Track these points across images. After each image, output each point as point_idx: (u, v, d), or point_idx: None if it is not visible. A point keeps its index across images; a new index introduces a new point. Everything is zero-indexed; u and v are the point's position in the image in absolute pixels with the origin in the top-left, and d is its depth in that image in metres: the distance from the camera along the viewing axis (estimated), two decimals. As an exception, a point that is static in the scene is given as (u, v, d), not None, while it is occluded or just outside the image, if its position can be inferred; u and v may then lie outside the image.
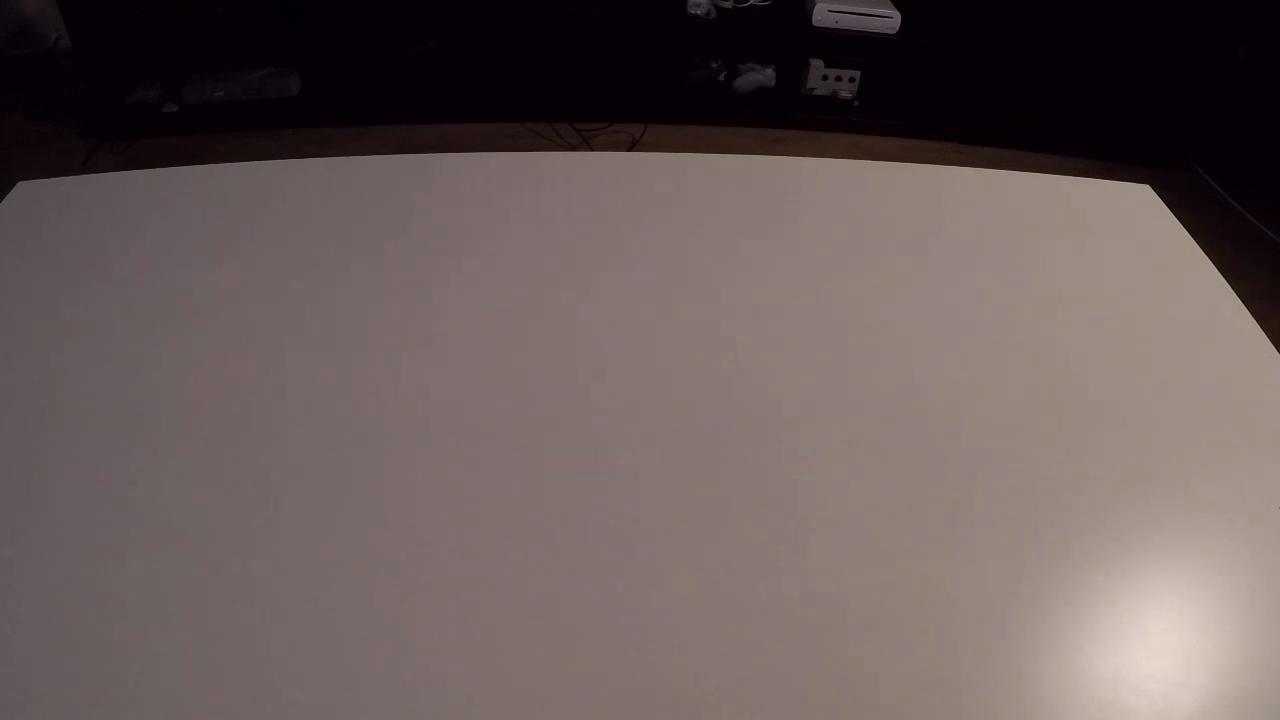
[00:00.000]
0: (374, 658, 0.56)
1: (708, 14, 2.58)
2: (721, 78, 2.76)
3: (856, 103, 2.76)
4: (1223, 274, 0.94)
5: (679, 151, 1.10)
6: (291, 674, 0.55)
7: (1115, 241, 0.98)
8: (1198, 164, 2.66)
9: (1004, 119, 2.66)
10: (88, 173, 1.04)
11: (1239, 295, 0.91)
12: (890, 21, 2.54)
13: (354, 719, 0.53)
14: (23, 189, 0.96)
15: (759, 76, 2.75)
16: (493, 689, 0.55)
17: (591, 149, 2.59)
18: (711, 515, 0.66)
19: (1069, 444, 0.73)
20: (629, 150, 2.52)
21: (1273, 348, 0.85)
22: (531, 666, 0.56)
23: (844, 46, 2.64)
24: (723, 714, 0.54)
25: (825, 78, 2.72)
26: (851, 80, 2.73)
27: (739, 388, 0.77)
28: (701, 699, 0.55)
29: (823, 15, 2.53)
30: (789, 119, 2.75)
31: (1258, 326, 0.87)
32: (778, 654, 0.58)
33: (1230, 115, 2.68)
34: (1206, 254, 0.97)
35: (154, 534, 0.63)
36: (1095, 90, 2.56)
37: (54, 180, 0.97)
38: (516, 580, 0.61)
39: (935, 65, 2.72)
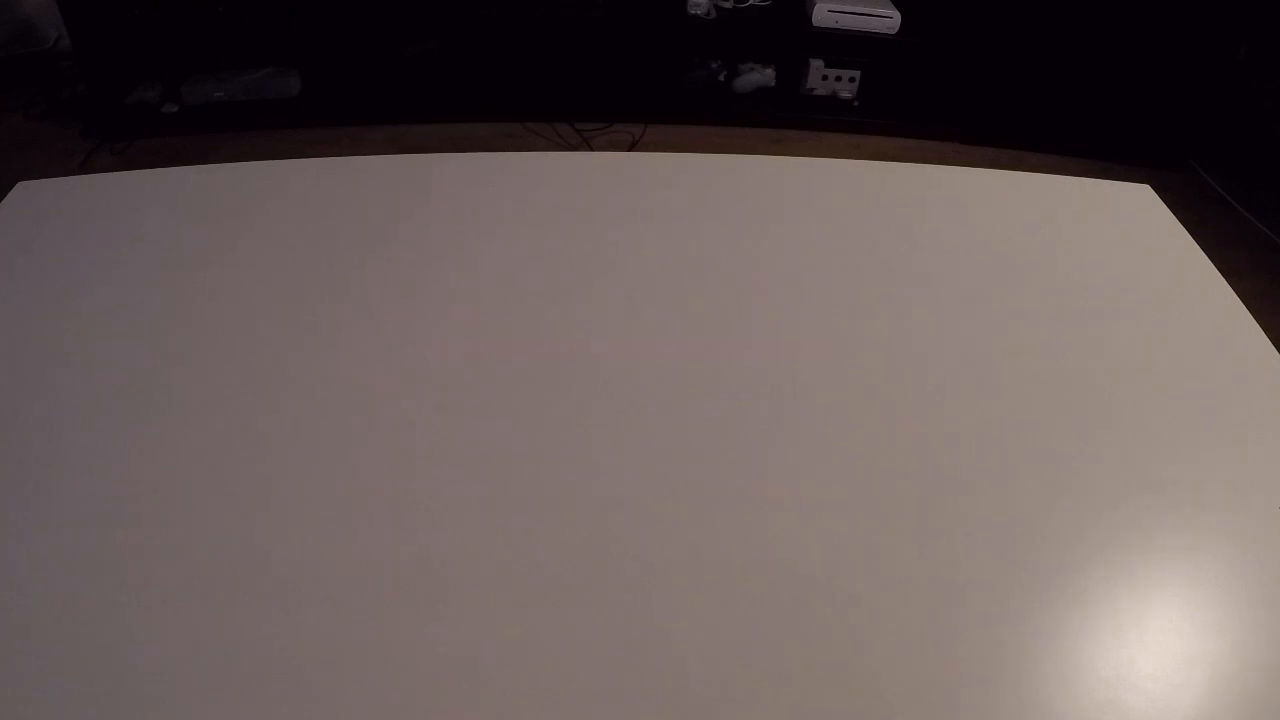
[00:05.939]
0: (377, 661, 0.56)
1: (708, 14, 2.58)
2: (721, 78, 2.76)
3: (856, 103, 2.76)
4: (1223, 274, 0.94)
5: (679, 151, 1.10)
6: (293, 674, 0.55)
7: (1115, 241, 0.98)
8: (1198, 164, 2.66)
9: (1004, 119, 2.66)
10: (88, 173, 1.03)
11: (1239, 295, 0.91)
12: (890, 21, 2.54)
13: (355, 718, 0.53)
14: (23, 189, 0.96)
15: (759, 76, 2.75)
16: (495, 690, 0.55)
17: (591, 149, 2.59)
18: (712, 516, 0.66)
19: (1069, 444, 0.73)
20: (629, 150, 2.52)
21: (1273, 348, 0.85)
22: (533, 667, 0.56)
23: (844, 46, 2.64)
24: (723, 711, 0.54)
25: (825, 78, 2.72)
26: (851, 80, 2.73)
27: (739, 388, 0.77)
28: (702, 697, 0.55)
29: (823, 15, 2.53)
30: (789, 119, 2.75)
31: (1258, 326, 0.87)
32: (778, 655, 0.58)
33: (1230, 115, 2.68)
34: (1206, 254, 0.97)
35: (153, 534, 0.63)
36: (1095, 90, 2.56)
37: (54, 180, 0.97)
38: (515, 581, 0.61)
39: (935, 65, 2.72)
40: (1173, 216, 1.03)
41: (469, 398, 0.74)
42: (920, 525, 0.66)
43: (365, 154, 1.06)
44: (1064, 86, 2.56)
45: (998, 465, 0.71)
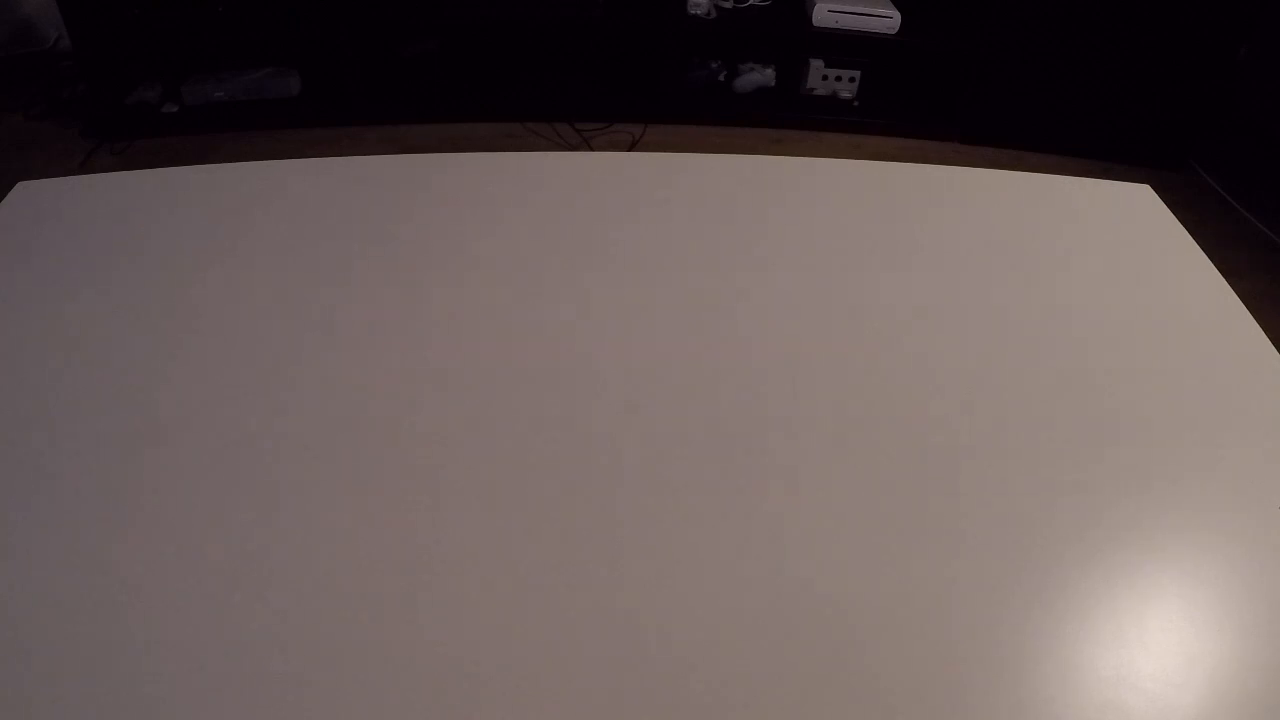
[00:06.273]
0: (377, 660, 0.56)
1: (708, 14, 2.58)
2: (721, 78, 2.76)
3: (856, 103, 2.76)
4: (1223, 274, 0.94)
5: (679, 151, 1.10)
6: (293, 674, 0.55)
7: (1115, 241, 0.98)
8: (1198, 164, 2.66)
9: (1004, 119, 2.66)
10: (88, 173, 1.03)
11: (1239, 295, 0.91)
12: (890, 21, 2.54)
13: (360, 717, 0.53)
14: (23, 189, 0.96)
15: (759, 76, 2.75)
16: (495, 690, 0.55)
17: (591, 149, 2.59)
18: (712, 516, 0.66)
19: (1069, 444, 0.73)
20: (629, 150, 2.52)
21: (1273, 348, 0.85)
22: (534, 667, 0.56)
23: (844, 46, 2.64)
24: (724, 711, 0.54)
25: (825, 78, 2.72)
26: (851, 80, 2.73)
27: (738, 387, 0.77)
28: (702, 697, 0.55)
29: (823, 15, 2.53)
30: (789, 119, 2.75)
31: (1258, 326, 0.87)
32: (777, 654, 0.58)
33: (1230, 115, 2.68)
34: (1206, 254, 0.97)
35: (152, 534, 0.63)
36: (1095, 90, 2.56)
37: (54, 180, 0.97)
38: (516, 581, 0.61)
39: (935, 65, 2.72)
40: (1173, 216, 1.03)
41: (469, 397, 0.74)
42: (920, 525, 0.66)
43: (365, 154, 1.06)
44: (1064, 86, 2.56)
45: (998, 465, 0.71)
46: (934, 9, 2.65)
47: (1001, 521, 0.67)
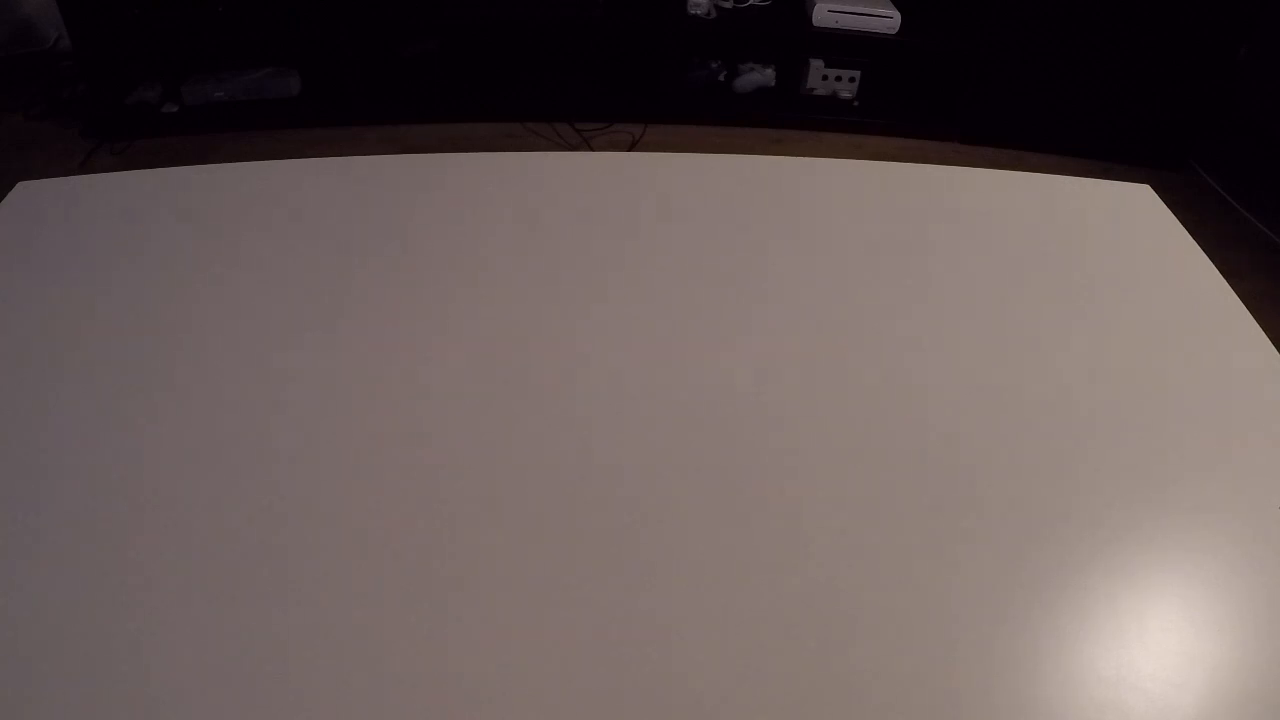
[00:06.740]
0: (379, 661, 0.56)
1: (708, 14, 2.58)
2: (721, 78, 2.76)
3: (856, 103, 2.76)
4: (1223, 274, 0.94)
5: (679, 151, 1.10)
6: (295, 674, 0.55)
7: (1115, 241, 0.98)
8: (1198, 164, 2.66)
9: (1004, 119, 2.66)
10: (88, 173, 1.03)
11: (1239, 295, 0.91)
12: (890, 21, 2.54)
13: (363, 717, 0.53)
14: (23, 189, 0.96)
15: (759, 76, 2.75)
16: (496, 690, 0.55)
17: (591, 149, 2.59)
18: (713, 518, 0.66)
19: (1069, 444, 0.73)
20: (629, 150, 2.52)
21: (1273, 348, 0.85)
22: (535, 668, 0.56)
23: (844, 46, 2.64)
24: (724, 712, 0.54)
25: (825, 78, 2.72)
26: (851, 80, 2.73)
27: (739, 388, 0.77)
28: (702, 698, 0.55)
29: (823, 15, 2.53)
30: (789, 119, 2.75)
31: (1258, 326, 0.87)
32: (778, 655, 0.58)
33: (1230, 115, 2.68)
34: (1206, 254, 0.97)
35: (153, 535, 0.63)
36: (1095, 90, 2.56)
37: (54, 180, 0.97)
38: (518, 581, 0.61)
39: (935, 65, 2.72)
40: (1173, 216, 1.03)
41: (469, 397, 0.74)
42: (921, 525, 0.66)
43: (365, 154, 1.06)
44: (1064, 86, 2.56)
45: (997, 465, 0.71)
46: (934, 9, 2.65)
47: (1001, 522, 0.67)
